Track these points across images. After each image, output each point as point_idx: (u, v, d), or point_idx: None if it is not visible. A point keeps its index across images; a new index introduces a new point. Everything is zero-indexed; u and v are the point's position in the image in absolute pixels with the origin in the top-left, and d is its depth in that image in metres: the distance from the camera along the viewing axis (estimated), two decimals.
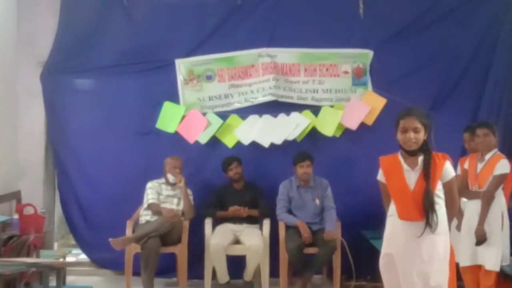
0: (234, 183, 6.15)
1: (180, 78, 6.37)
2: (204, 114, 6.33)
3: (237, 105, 6.37)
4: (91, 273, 6.44)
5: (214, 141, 6.35)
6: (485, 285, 4.61)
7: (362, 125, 6.23)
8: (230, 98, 6.39)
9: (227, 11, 6.38)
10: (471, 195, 4.77)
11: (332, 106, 6.31)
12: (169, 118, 6.32)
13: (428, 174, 3.42)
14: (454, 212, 3.63)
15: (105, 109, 6.42)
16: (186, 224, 5.83)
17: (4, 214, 5.62)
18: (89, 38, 6.42)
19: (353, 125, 6.23)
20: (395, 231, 3.54)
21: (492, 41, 6.23)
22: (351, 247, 5.79)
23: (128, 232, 5.75)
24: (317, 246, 5.58)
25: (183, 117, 6.32)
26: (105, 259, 6.36)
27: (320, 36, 6.32)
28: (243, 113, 6.34)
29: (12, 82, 6.26)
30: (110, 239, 5.30)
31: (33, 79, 6.38)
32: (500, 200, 4.69)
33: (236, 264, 5.80)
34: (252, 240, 5.68)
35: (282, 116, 6.32)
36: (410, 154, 3.48)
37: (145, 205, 5.89)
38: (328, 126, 6.25)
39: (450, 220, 3.56)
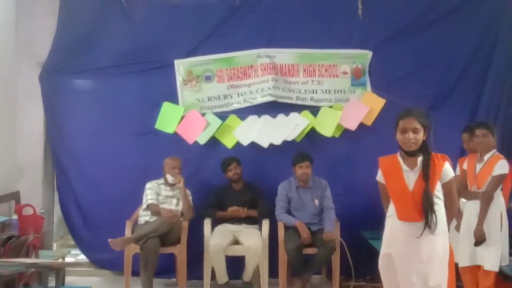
0: (233, 183, 6.15)
1: (179, 78, 6.37)
2: (203, 114, 6.33)
3: (236, 106, 6.37)
4: (90, 273, 6.44)
5: (213, 142, 6.35)
6: (484, 285, 4.61)
7: (361, 125, 6.23)
8: (229, 98, 6.39)
9: (226, 12, 6.38)
10: (470, 196, 4.77)
11: (331, 107, 6.31)
12: (168, 119, 6.32)
13: (427, 175, 3.42)
14: (454, 213, 3.63)
15: (104, 110, 6.41)
16: (185, 224, 5.83)
17: (3, 215, 5.63)
18: (88, 39, 6.42)
19: (352, 125, 6.23)
20: (395, 232, 3.53)
21: (491, 41, 6.23)
22: (350, 248, 5.78)
23: (127, 232, 5.75)
24: (316, 247, 5.58)
25: (182, 117, 6.32)
26: (104, 260, 6.36)
27: (319, 36, 6.32)
28: (242, 113, 6.34)
29: (11, 82, 6.25)
30: (109, 240, 5.30)
31: (32, 80, 6.38)
32: (499, 200, 4.70)
33: (235, 264, 5.80)
34: (251, 241, 5.68)
35: (281, 117, 6.32)
36: (409, 154, 3.48)
37: (144, 206, 5.89)
38: (327, 126, 6.25)
39: (449, 220, 3.56)
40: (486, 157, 4.76)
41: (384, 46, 6.28)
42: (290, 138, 6.20)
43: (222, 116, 6.33)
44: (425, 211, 3.40)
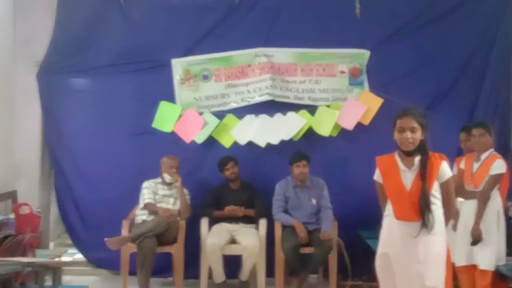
0: (230, 183, 6.15)
1: (176, 77, 6.36)
2: (200, 113, 6.33)
3: (234, 105, 6.37)
4: (87, 272, 6.44)
5: (211, 141, 6.35)
6: (480, 285, 4.61)
7: (359, 125, 6.24)
8: (226, 97, 6.39)
9: (224, 11, 6.39)
10: (467, 195, 4.78)
11: (328, 106, 6.31)
12: (165, 118, 6.32)
13: (424, 174, 3.42)
14: (452, 213, 3.62)
15: (101, 109, 6.41)
16: (182, 223, 5.82)
17: (0, 214, 5.62)
18: (86, 38, 6.42)
19: (350, 125, 6.23)
20: (392, 231, 3.53)
21: (488, 41, 6.25)
22: (347, 247, 5.79)
23: (124, 231, 5.75)
24: (313, 246, 5.58)
25: (180, 116, 6.32)
26: (101, 259, 6.36)
27: (317, 36, 6.32)
28: (240, 112, 6.34)
29: (8, 82, 6.24)
30: (105, 239, 5.30)
31: (30, 79, 6.38)
32: (496, 200, 4.70)
33: (232, 263, 5.80)
34: (248, 240, 5.68)
35: (278, 116, 6.32)
36: (407, 154, 3.48)
37: (141, 205, 5.89)
38: (324, 126, 6.25)
39: (447, 220, 3.55)
40: (483, 156, 4.77)
41: (382, 45, 6.29)
42: (287, 138, 6.20)
43: (220, 115, 6.33)
44: (422, 210, 3.39)
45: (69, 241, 6.71)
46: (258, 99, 6.29)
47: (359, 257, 5.79)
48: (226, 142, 6.35)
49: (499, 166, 4.66)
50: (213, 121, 6.30)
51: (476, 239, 4.58)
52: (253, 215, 6.03)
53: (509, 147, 6.12)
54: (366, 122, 6.25)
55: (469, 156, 4.97)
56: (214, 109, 6.37)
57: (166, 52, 6.35)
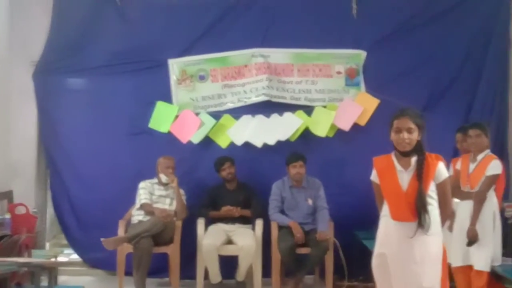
0: (227, 183, 6.14)
1: (173, 78, 6.36)
2: (197, 114, 6.32)
3: (230, 105, 6.37)
4: (83, 273, 6.44)
5: (207, 141, 6.34)
6: (476, 285, 4.60)
7: (355, 125, 6.24)
8: (223, 98, 6.38)
9: (221, 11, 6.39)
10: (463, 196, 4.78)
11: (325, 107, 6.31)
12: (162, 118, 6.31)
13: (421, 175, 3.41)
14: (448, 213, 3.61)
15: (98, 109, 6.41)
16: (178, 224, 5.82)
17: None
18: (82, 38, 6.41)
19: (346, 125, 6.23)
20: (388, 232, 3.53)
21: (485, 41, 6.25)
22: (343, 248, 5.80)
23: (120, 232, 5.74)
24: (309, 246, 5.58)
25: (176, 117, 6.31)
26: (97, 259, 6.35)
27: (313, 36, 6.32)
28: (236, 113, 6.34)
29: (4, 82, 6.21)
30: (102, 239, 5.29)
31: (26, 79, 6.37)
32: (492, 200, 4.70)
33: (228, 264, 5.79)
34: (245, 240, 5.68)
35: (275, 116, 6.32)
36: (404, 154, 3.47)
37: (137, 205, 5.88)
38: (321, 126, 6.26)
39: (443, 221, 3.55)
40: (480, 157, 4.77)
41: (378, 46, 6.30)
42: (284, 138, 6.20)
43: (216, 115, 6.33)
44: (419, 211, 3.39)
45: (65, 242, 6.70)
46: (254, 99, 6.29)
47: (355, 258, 5.78)
48: (222, 142, 6.35)
49: (495, 167, 4.66)
50: (210, 121, 6.29)
51: (472, 239, 4.58)
52: (250, 215, 6.03)
53: (505, 148, 6.13)
54: (363, 122, 6.25)
55: (465, 157, 4.98)
56: (210, 109, 6.36)
57: (162, 53, 6.35)
